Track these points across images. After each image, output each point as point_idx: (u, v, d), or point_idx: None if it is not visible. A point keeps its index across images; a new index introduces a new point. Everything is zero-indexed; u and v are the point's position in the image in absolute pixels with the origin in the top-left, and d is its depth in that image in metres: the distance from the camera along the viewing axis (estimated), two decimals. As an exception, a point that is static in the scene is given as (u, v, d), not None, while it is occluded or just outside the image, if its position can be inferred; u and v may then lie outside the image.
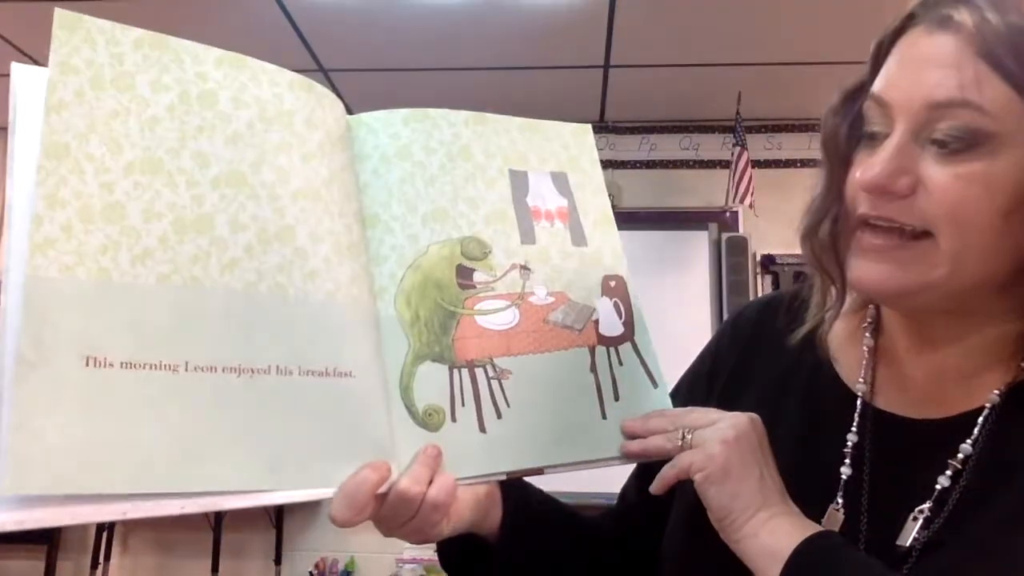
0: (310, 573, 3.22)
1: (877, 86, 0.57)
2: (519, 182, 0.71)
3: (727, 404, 0.67)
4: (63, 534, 3.36)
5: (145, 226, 0.52)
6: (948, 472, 0.59)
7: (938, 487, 0.59)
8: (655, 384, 0.72)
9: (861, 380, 0.66)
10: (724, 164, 3.33)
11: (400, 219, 0.66)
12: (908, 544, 0.58)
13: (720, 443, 0.59)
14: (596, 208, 0.75)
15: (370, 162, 0.67)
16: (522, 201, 0.71)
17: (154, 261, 0.52)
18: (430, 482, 0.58)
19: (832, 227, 0.62)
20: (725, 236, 3.31)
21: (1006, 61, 0.51)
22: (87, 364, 0.49)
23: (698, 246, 3.38)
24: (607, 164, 3.62)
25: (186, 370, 0.52)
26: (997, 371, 0.60)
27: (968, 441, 0.59)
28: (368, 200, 0.66)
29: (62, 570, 3.32)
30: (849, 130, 0.61)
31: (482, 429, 0.64)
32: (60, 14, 0.53)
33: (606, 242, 0.74)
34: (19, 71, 0.53)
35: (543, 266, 0.70)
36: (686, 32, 2.76)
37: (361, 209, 0.65)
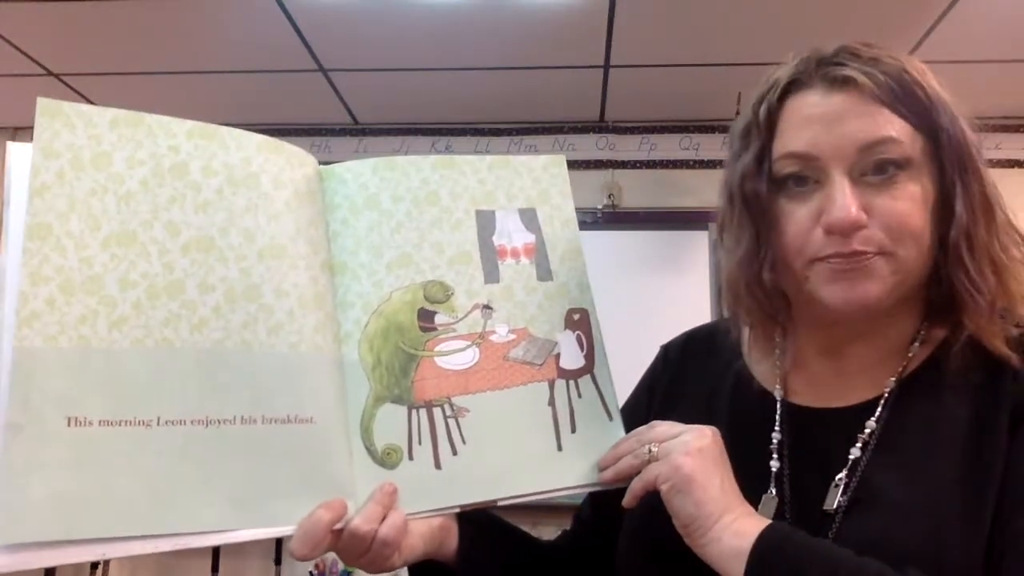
0: (310, 573, 3.22)
1: (796, 145, 0.67)
2: (486, 222, 0.74)
3: None
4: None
5: (121, 294, 0.58)
6: (858, 444, 0.69)
7: (851, 457, 0.68)
8: (610, 417, 0.75)
9: (778, 386, 0.76)
10: (724, 164, 3.33)
11: (366, 267, 0.69)
12: (834, 507, 0.67)
13: (684, 455, 0.64)
14: (564, 241, 0.77)
15: (340, 212, 0.70)
16: (487, 241, 0.73)
17: (129, 327, 0.57)
18: (383, 520, 0.64)
19: (771, 274, 0.70)
20: (725, 236, 3.31)
21: (898, 105, 0.65)
22: (69, 424, 0.54)
23: (698, 246, 3.38)
24: (607, 164, 3.63)
25: (158, 424, 0.57)
26: (891, 362, 0.71)
27: (872, 419, 0.69)
28: (337, 248, 0.69)
29: (62, 571, 3.32)
30: (772, 189, 0.69)
31: (437, 465, 0.67)
32: (42, 102, 0.58)
33: (572, 275, 0.76)
34: (15, 150, 0.58)
35: (506, 303, 0.72)
36: (686, 32, 2.76)
37: (330, 258, 0.69)
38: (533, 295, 0.73)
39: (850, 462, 0.68)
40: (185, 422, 0.58)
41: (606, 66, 3.02)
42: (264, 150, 0.66)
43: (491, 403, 0.70)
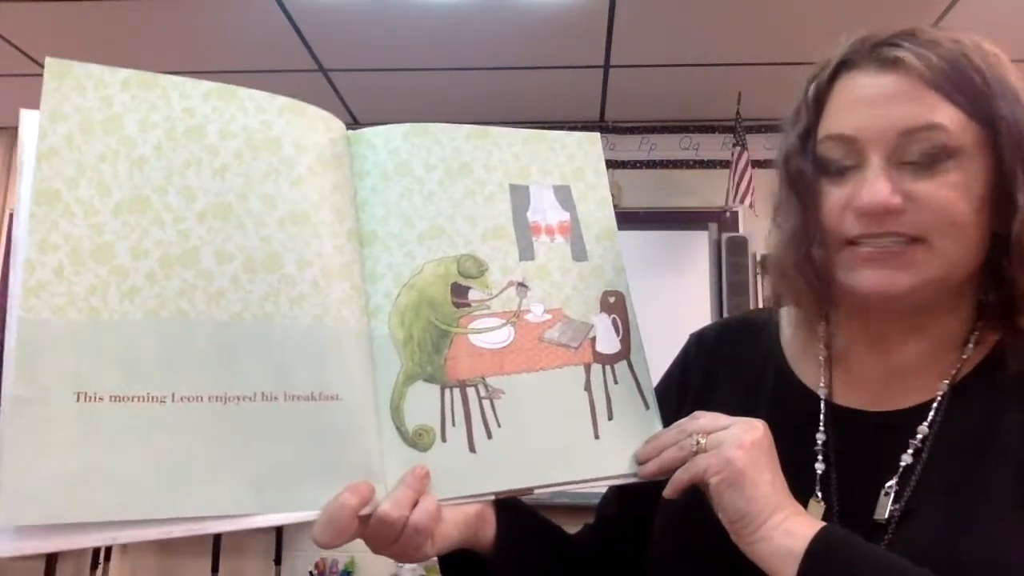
0: (310, 573, 3.22)
1: (839, 127, 0.65)
2: (520, 197, 0.71)
3: None
4: (63, 534, 3.36)
5: (133, 264, 0.54)
6: (910, 451, 0.65)
7: (902, 464, 0.65)
8: (647, 406, 0.72)
9: (822, 384, 0.72)
10: (724, 164, 3.33)
11: (397, 236, 0.66)
12: (886, 517, 0.64)
13: (736, 447, 0.61)
14: (599, 221, 0.73)
15: (369, 179, 0.67)
16: (522, 216, 0.70)
17: (142, 297, 0.54)
18: (414, 505, 0.60)
19: (821, 251, 0.68)
20: (725, 236, 3.31)
21: (950, 90, 0.61)
22: (79, 399, 0.51)
23: (698, 246, 3.38)
24: (607, 164, 3.61)
25: (172, 400, 0.54)
26: (943, 364, 0.67)
27: (925, 424, 0.66)
28: (366, 217, 0.66)
29: (62, 571, 3.32)
30: (815, 170, 0.68)
31: (472, 449, 0.64)
32: (51, 62, 0.55)
33: (607, 256, 0.73)
34: (27, 117, 0.54)
35: (541, 283, 0.69)
36: (686, 32, 2.76)
37: (358, 227, 0.65)
38: (568, 275, 0.70)
39: (901, 469, 0.65)
40: (202, 398, 0.55)
41: (606, 66, 3.02)
42: (287, 112, 0.63)
43: (526, 385, 0.67)
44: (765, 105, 3.16)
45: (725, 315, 3.09)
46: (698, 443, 0.63)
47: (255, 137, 0.61)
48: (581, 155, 0.75)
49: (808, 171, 0.68)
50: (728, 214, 3.35)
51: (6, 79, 3.18)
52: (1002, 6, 2.54)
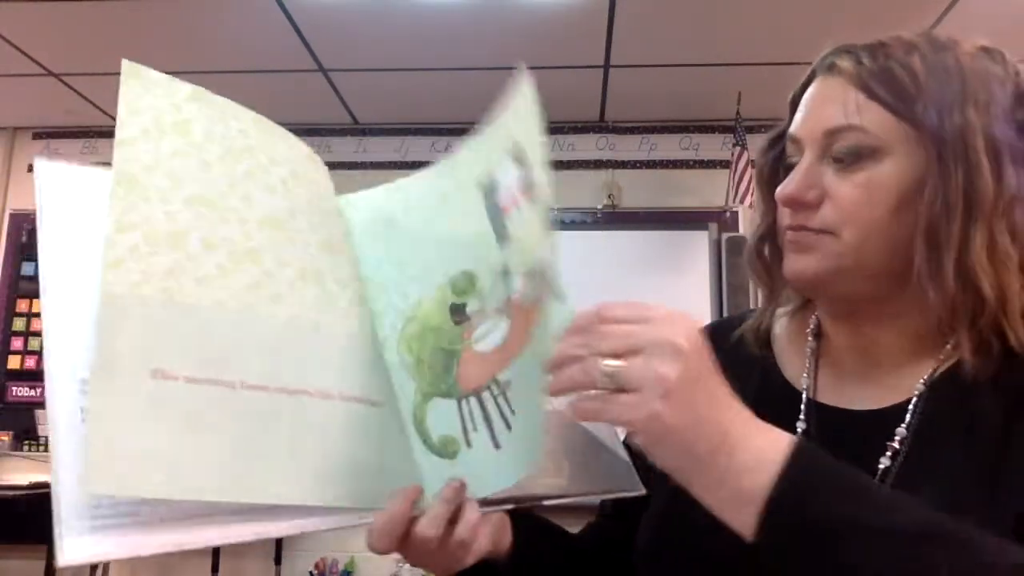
0: (310, 573, 3.23)
1: (792, 128, 0.70)
2: (490, 190, 0.70)
3: None
4: (63, 534, 3.36)
5: (205, 253, 0.57)
6: (888, 453, 0.65)
7: (880, 466, 0.65)
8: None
9: (805, 375, 0.74)
10: (724, 164, 3.34)
11: (393, 279, 0.70)
12: None
13: (660, 397, 0.50)
14: (536, 152, 0.68)
15: (355, 235, 0.72)
16: (494, 205, 0.70)
17: (213, 287, 0.57)
18: (452, 520, 0.61)
19: (771, 243, 0.73)
20: (725, 236, 3.31)
21: (878, 90, 0.64)
22: (154, 376, 0.53)
23: (698, 246, 3.38)
24: (607, 164, 3.63)
25: (241, 388, 0.56)
26: (921, 363, 0.68)
27: (903, 425, 0.66)
28: (362, 264, 0.71)
29: (62, 570, 3.32)
30: (774, 165, 0.74)
31: (496, 445, 0.65)
32: (126, 64, 0.59)
33: (546, 181, 0.68)
34: (42, 167, 0.58)
35: (518, 256, 0.68)
36: (686, 32, 2.76)
37: (359, 270, 0.71)
38: (530, 227, 0.67)
39: (879, 471, 0.65)
40: (268, 388, 0.57)
41: (606, 66, 3.02)
42: (312, 159, 0.70)
43: (525, 360, 0.67)
44: (765, 105, 3.16)
45: (725, 315, 3.09)
46: (607, 373, 0.52)
47: (296, 169, 0.67)
48: (519, 110, 0.71)
49: (768, 168, 0.74)
50: (728, 214, 3.35)
51: (6, 79, 3.19)
52: (1002, 6, 2.54)
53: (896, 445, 0.65)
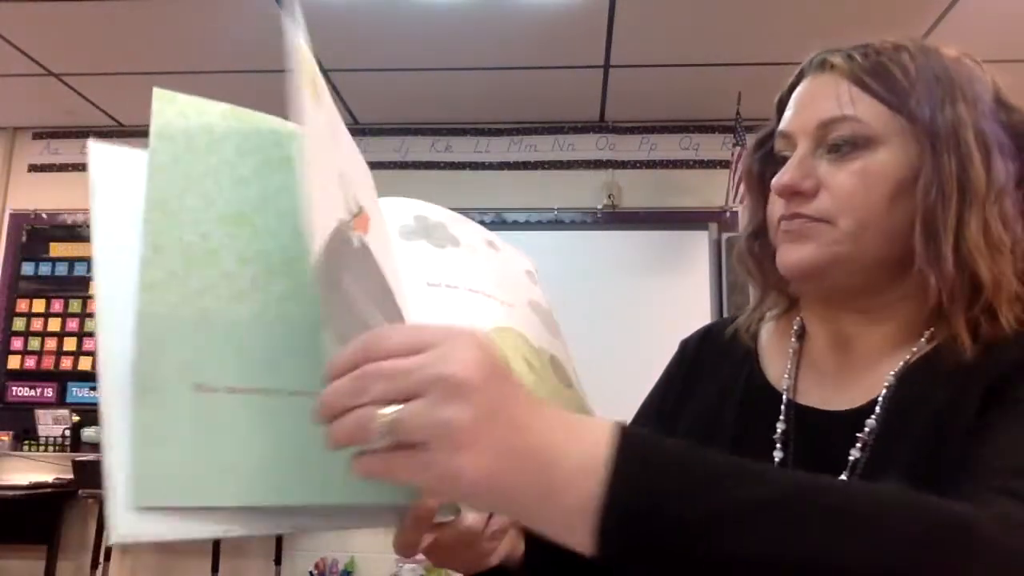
0: (310, 573, 3.23)
1: (782, 125, 0.72)
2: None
3: (672, 421, 0.77)
4: (63, 534, 3.36)
5: (239, 270, 0.59)
6: (858, 445, 0.67)
7: (851, 458, 0.67)
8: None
9: (786, 376, 0.75)
10: (724, 164, 3.34)
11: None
12: None
13: (453, 448, 0.42)
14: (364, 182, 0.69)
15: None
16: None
17: (249, 300, 0.59)
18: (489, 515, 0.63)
19: (762, 240, 0.74)
20: (725, 236, 3.32)
21: (870, 82, 0.66)
22: (197, 390, 0.55)
23: (698, 246, 3.38)
24: (607, 164, 3.63)
25: (282, 395, 0.58)
26: (896, 356, 0.69)
27: (872, 418, 0.67)
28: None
29: (62, 570, 3.32)
30: (761, 166, 0.76)
31: None
32: (157, 92, 0.60)
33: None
34: (96, 150, 0.59)
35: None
36: (686, 32, 2.77)
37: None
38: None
39: (850, 463, 0.67)
40: (308, 394, 0.58)
41: (606, 66, 3.03)
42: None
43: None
44: (765, 105, 3.15)
45: (725, 315, 3.09)
46: (384, 424, 0.43)
47: None
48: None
49: (756, 168, 0.77)
50: (728, 214, 3.35)
51: (6, 79, 3.19)
52: (1002, 6, 2.54)
53: (865, 437, 0.67)
